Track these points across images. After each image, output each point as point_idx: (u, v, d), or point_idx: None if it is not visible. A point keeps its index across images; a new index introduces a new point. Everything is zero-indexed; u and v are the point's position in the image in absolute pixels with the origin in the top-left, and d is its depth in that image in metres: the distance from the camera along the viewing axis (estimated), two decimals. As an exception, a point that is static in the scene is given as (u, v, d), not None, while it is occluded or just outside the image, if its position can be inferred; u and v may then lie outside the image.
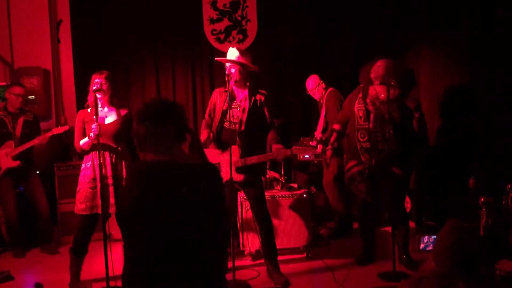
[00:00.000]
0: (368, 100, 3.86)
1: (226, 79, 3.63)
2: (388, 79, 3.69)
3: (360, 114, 3.85)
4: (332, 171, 4.83)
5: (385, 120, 3.76)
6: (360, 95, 3.91)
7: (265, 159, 3.75)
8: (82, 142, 3.73)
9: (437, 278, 1.40)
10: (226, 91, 3.72)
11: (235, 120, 3.68)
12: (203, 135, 3.77)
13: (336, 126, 4.17)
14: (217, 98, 3.84)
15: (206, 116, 3.96)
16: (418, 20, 5.52)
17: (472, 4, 5.11)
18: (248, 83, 3.77)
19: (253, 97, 3.74)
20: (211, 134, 3.75)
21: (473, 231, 1.65)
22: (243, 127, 3.66)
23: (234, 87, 3.77)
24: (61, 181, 5.14)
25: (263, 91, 3.83)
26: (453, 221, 1.67)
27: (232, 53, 3.74)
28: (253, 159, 3.64)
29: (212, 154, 3.82)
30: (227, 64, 3.74)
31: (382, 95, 3.78)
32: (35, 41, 5.73)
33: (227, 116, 3.70)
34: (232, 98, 3.76)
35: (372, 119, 3.81)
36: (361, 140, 3.84)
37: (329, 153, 4.60)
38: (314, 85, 4.95)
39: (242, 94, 3.74)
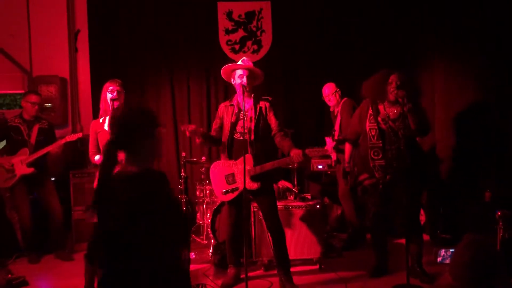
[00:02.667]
0: (379, 119, 3.85)
1: (242, 87, 3.66)
2: (402, 94, 3.71)
3: (373, 133, 3.84)
4: (348, 182, 4.79)
5: (399, 137, 3.74)
6: (370, 112, 3.89)
7: (279, 164, 3.76)
8: (97, 158, 3.81)
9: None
10: (231, 105, 3.80)
11: (245, 131, 3.70)
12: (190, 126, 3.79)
13: (349, 141, 4.25)
14: (224, 112, 3.88)
15: (213, 131, 3.98)
16: (433, 32, 5.50)
17: (486, 18, 5.08)
18: (252, 94, 3.79)
19: (258, 105, 3.77)
20: (198, 128, 3.79)
21: (490, 245, 1.62)
22: (252, 136, 3.69)
23: (239, 99, 3.80)
24: (76, 188, 5.20)
25: (267, 97, 3.87)
26: (470, 236, 1.65)
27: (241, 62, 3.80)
28: (267, 166, 3.67)
29: (225, 165, 3.84)
30: (239, 73, 3.76)
31: (394, 112, 3.79)
32: (53, 50, 5.86)
33: (237, 127, 3.75)
34: (239, 109, 3.79)
35: (386, 137, 3.80)
36: (375, 158, 3.83)
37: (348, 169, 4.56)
38: (330, 92, 4.95)
39: (248, 105, 3.76)
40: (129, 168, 2.01)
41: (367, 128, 3.87)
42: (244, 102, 3.71)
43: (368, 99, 3.96)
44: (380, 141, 3.80)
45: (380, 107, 3.87)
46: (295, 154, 3.58)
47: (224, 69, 3.84)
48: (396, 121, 3.79)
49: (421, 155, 3.95)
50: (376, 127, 3.83)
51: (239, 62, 3.82)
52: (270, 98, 3.87)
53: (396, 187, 3.77)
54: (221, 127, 3.91)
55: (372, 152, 3.84)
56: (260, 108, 3.77)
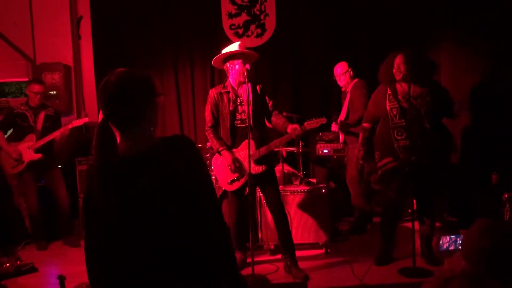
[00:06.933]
0: (400, 97, 3.72)
1: (247, 74, 3.60)
2: (411, 74, 3.62)
3: (394, 112, 3.71)
4: (356, 166, 4.73)
5: (422, 115, 3.64)
6: (389, 92, 3.78)
7: (281, 142, 3.74)
8: None
9: (467, 280, 1.36)
10: (227, 92, 3.73)
11: (244, 116, 3.67)
12: (228, 160, 3.69)
13: (366, 125, 4.04)
14: (218, 100, 3.77)
15: (209, 123, 3.81)
16: (439, 15, 5.42)
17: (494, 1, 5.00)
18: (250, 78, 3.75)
19: (253, 88, 3.74)
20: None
21: (508, 231, 1.59)
22: (252, 120, 3.63)
23: (234, 85, 3.75)
24: (82, 175, 5.21)
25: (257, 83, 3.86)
26: (487, 221, 1.62)
27: (236, 47, 3.72)
28: (270, 146, 3.67)
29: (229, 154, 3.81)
30: (238, 60, 3.69)
31: (412, 91, 3.67)
32: (56, 38, 5.83)
33: (237, 115, 3.71)
34: (236, 96, 3.75)
35: (408, 116, 3.66)
36: (399, 138, 3.70)
37: (361, 153, 4.39)
38: (342, 71, 4.89)
39: (243, 89, 3.71)
40: (131, 149, 1.59)
41: (388, 108, 3.75)
42: (241, 88, 3.68)
43: (383, 84, 3.88)
44: (403, 120, 3.66)
45: (398, 85, 3.78)
46: (292, 129, 3.60)
47: (218, 58, 3.76)
48: (417, 98, 3.67)
49: (447, 135, 3.81)
50: (397, 106, 3.70)
51: (234, 48, 3.72)
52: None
53: (421, 170, 3.64)
54: (217, 117, 3.80)
55: (395, 132, 3.71)
56: (256, 90, 3.73)
